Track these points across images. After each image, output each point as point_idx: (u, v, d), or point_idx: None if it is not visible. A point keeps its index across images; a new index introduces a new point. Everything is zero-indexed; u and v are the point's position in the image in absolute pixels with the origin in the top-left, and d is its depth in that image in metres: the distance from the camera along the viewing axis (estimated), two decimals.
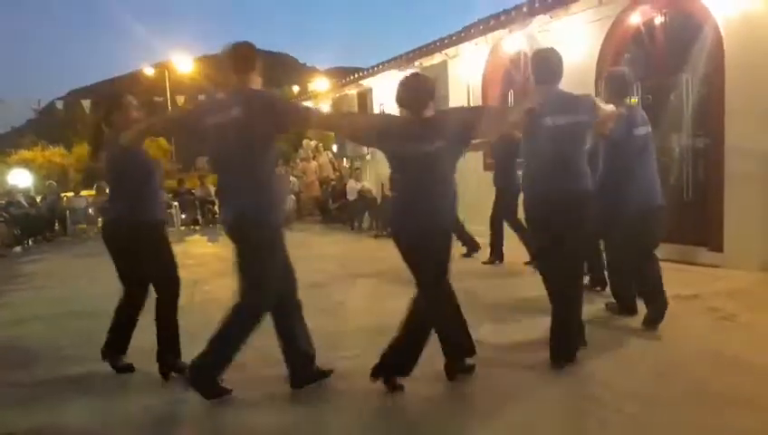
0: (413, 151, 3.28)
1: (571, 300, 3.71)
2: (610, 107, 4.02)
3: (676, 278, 5.82)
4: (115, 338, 3.98)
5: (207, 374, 3.30)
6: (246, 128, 3.20)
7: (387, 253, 8.62)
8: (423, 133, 3.28)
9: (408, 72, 12.04)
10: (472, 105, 9.22)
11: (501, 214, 7.12)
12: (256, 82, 3.38)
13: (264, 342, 4.43)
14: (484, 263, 7.29)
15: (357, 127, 3.76)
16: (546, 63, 3.79)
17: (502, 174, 7.07)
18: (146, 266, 3.81)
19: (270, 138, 3.33)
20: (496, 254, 7.31)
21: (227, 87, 3.39)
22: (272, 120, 3.26)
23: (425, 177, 3.30)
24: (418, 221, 3.32)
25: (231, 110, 3.23)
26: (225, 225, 3.41)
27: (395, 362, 3.40)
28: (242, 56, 3.36)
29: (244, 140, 3.23)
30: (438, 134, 3.26)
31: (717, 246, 6.37)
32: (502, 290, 5.79)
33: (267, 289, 3.31)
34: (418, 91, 3.40)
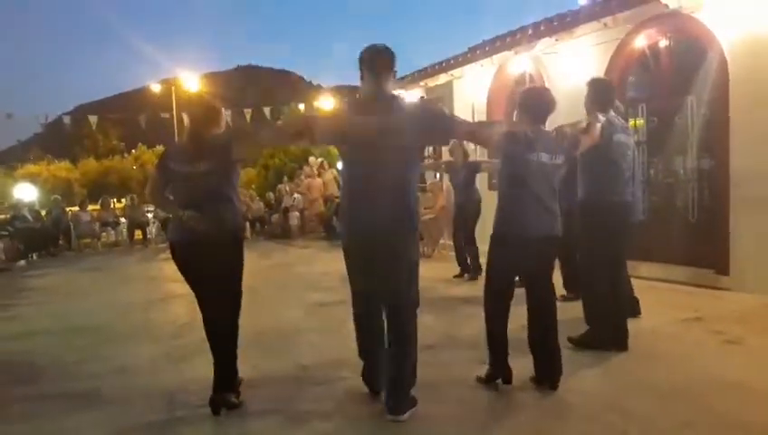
0: (537, 162, 3.51)
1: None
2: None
3: (680, 300, 5.82)
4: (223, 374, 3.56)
5: (408, 390, 3.31)
6: (406, 137, 3.16)
7: None
8: (549, 146, 3.56)
9: (414, 92, 12.22)
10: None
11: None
12: (392, 87, 3.32)
13: (260, 361, 4.45)
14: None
15: (493, 136, 3.75)
16: (607, 90, 4.39)
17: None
18: (226, 277, 3.53)
19: (423, 148, 3.33)
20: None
21: (366, 92, 3.28)
22: (434, 130, 3.26)
23: (545, 186, 3.56)
24: (540, 227, 3.56)
25: (388, 116, 3.16)
26: (361, 232, 3.31)
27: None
28: (380, 56, 3.26)
29: (400, 147, 3.16)
30: (560, 148, 3.61)
31: (723, 269, 6.35)
32: None
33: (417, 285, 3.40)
34: (550, 105, 3.66)
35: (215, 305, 3.53)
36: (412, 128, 3.17)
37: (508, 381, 3.63)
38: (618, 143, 4.20)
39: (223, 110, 3.69)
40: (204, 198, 3.42)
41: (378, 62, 3.24)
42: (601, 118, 4.02)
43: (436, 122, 3.32)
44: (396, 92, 3.34)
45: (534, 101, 3.69)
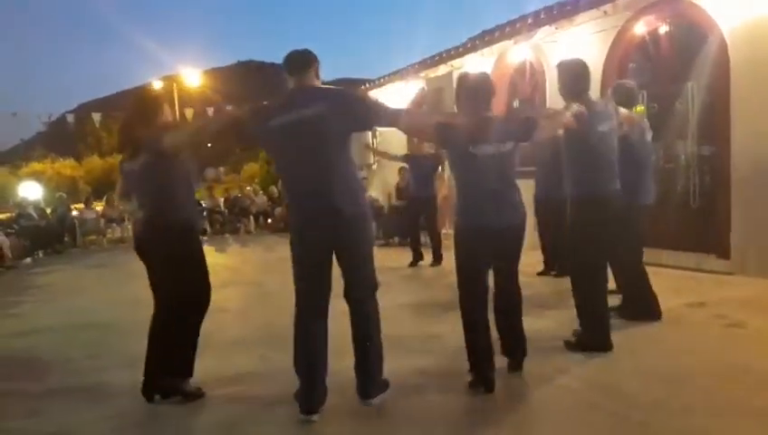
0: (484, 151, 3.38)
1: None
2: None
3: (682, 286, 5.84)
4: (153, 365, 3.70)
5: (376, 374, 3.35)
6: (328, 125, 3.14)
7: (391, 262, 8.70)
8: (494, 134, 3.39)
9: (414, 83, 12.20)
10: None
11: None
12: (316, 82, 3.32)
13: (267, 353, 4.48)
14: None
15: (428, 128, 3.65)
16: (583, 74, 4.01)
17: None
18: (183, 274, 3.61)
19: (349, 134, 3.28)
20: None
21: (290, 88, 3.30)
22: (353, 116, 3.22)
23: (495, 176, 3.42)
24: (496, 218, 3.44)
25: (307, 107, 3.15)
26: (309, 224, 3.25)
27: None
28: (297, 56, 3.31)
29: (325, 138, 3.15)
30: (506, 135, 3.41)
31: (724, 254, 6.38)
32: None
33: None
34: (489, 90, 3.53)
35: (171, 297, 3.67)
36: (330, 116, 3.13)
37: (490, 389, 3.41)
38: (602, 133, 3.93)
39: (164, 104, 3.72)
40: (144, 193, 3.63)
41: (292, 62, 3.31)
42: (575, 107, 3.76)
43: (356, 109, 3.26)
44: (321, 85, 3.33)
45: (471, 88, 3.53)
